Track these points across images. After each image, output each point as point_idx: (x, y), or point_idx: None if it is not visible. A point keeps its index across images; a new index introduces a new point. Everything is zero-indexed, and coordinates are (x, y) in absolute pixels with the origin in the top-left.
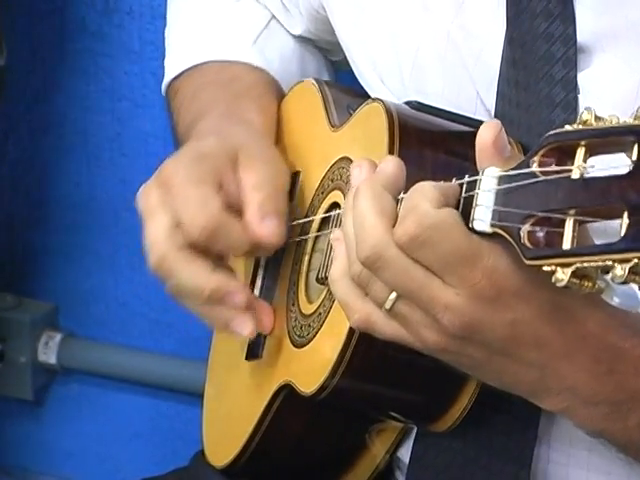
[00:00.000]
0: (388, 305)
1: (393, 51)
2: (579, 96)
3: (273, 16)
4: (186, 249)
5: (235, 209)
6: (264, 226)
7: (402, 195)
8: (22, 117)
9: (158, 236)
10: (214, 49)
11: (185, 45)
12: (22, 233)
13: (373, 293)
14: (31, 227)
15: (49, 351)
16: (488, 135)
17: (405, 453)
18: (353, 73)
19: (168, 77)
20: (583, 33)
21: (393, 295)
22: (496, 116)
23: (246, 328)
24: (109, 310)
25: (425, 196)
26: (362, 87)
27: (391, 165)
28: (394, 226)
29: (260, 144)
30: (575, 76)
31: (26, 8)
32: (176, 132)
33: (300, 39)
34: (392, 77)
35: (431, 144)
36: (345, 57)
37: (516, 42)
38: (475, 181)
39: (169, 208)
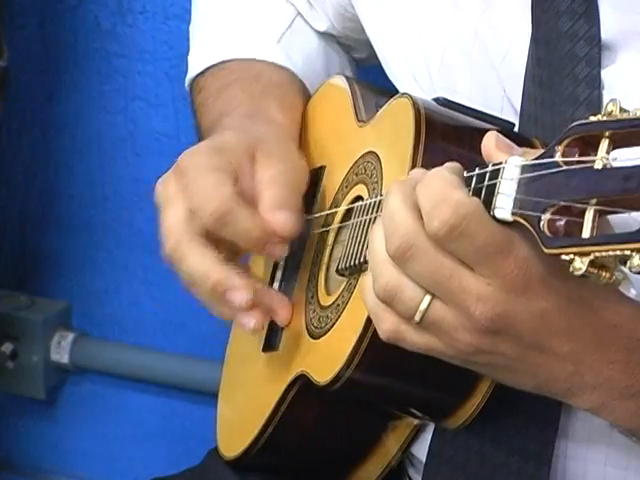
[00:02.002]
0: (418, 317)
1: (421, 49)
2: (603, 92)
3: (298, 14)
4: (200, 237)
5: (249, 202)
6: (278, 216)
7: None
8: (35, 117)
9: (174, 223)
10: (239, 47)
11: (210, 42)
12: (35, 232)
13: (401, 307)
14: (44, 226)
15: (62, 350)
16: (490, 142)
17: (419, 449)
18: (374, 70)
19: (192, 72)
20: (607, 31)
21: (423, 305)
22: (521, 115)
23: (249, 324)
24: (122, 309)
25: (451, 184)
26: (389, 85)
27: (420, 172)
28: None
29: (280, 142)
30: (599, 74)
31: (39, 7)
32: (199, 128)
33: (324, 36)
34: (422, 75)
35: (457, 140)
36: (368, 54)
37: (541, 41)
38: (498, 170)
39: (185, 195)
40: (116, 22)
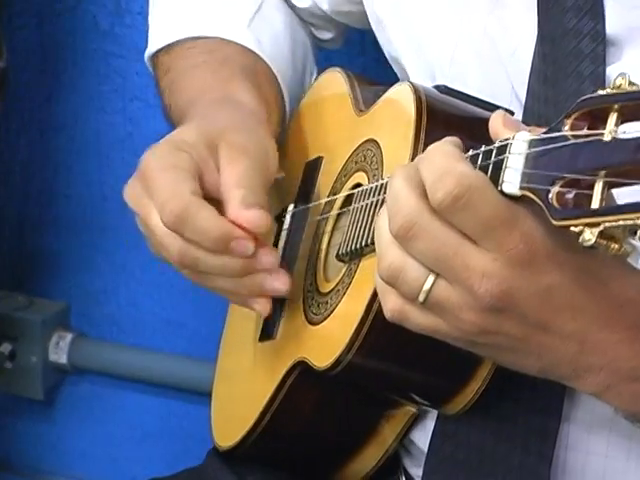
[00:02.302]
0: (422, 297)
1: (433, 45)
2: None
3: None
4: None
5: (214, 198)
6: (250, 213)
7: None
8: (34, 117)
9: (162, 230)
10: (210, 26)
11: (177, 16)
12: (33, 233)
13: (405, 287)
14: (42, 227)
15: (60, 351)
16: (497, 121)
17: (420, 437)
18: (369, 69)
19: (154, 46)
20: (613, 27)
21: (427, 285)
22: (525, 111)
23: (279, 283)
24: (120, 310)
25: (455, 157)
26: (382, 80)
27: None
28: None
29: (245, 127)
30: (604, 71)
31: (37, 8)
32: (169, 112)
33: (289, 16)
34: (435, 70)
35: (457, 127)
36: (334, 35)
37: (546, 38)
38: (506, 145)
39: (150, 196)
40: (114, 22)
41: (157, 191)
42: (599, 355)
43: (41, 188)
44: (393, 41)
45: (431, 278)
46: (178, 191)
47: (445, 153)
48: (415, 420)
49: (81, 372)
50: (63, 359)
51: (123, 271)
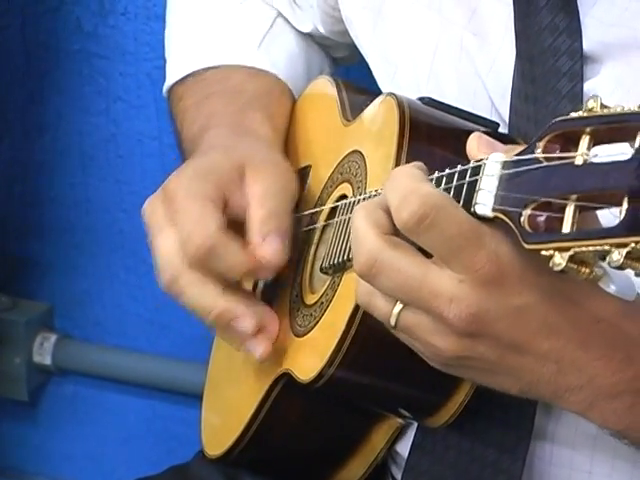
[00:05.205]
0: (393, 321)
1: (411, 58)
2: None
3: (278, 14)
4: (196, 268)
5: (241, 224)
6: (264, 247)
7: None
8: (17, 118)
9: (168, 254)
10: (219, 53)
11: (188, 48)
12: (17, 234)
13: (377, 314)
14: (26, 228)
15: (44, 352)
16: (473, 144)
17: (403, 448)
18: (360, 70)
19: (170, 80)
20: (591, 43)
21: (396, 309)
22: (510, 129)
23: (258, 350)
24: (104, 311)
25: (418, 178)
26: (375, 85)
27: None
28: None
29: (267, 154)
30: (581, 90)
31: (20, 9)
32: (180, 140)
33: (303, 35)
34: (410, 83)
35: (441, 140)
36: (348, 54)
37: (524, 56)
38: (479, 166)
39: (174, 224)
40: (98, 23)
41: (183, 222)
42: (577, 374)
43: (24, 189)
44: (369, 54)
45: (398, 307)
46: (205, 227)
47: (409, 175)
48: (400, 431)
49: (65, 373)
50: (47, 360)
51: (107, 272)
